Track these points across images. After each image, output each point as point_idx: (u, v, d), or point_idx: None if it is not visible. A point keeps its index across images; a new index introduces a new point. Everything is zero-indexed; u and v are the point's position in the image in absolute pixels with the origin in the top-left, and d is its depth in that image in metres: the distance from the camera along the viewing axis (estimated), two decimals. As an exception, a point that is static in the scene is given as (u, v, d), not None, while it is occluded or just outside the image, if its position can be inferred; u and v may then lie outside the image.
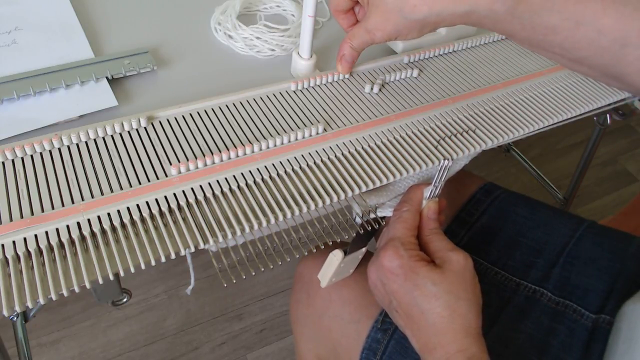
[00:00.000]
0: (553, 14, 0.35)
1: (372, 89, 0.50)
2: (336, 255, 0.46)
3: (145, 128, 0.43)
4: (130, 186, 0.38)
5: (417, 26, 0.41)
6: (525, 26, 0.37)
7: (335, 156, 0.43)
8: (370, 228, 0.46)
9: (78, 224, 0.35)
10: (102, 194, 0.37)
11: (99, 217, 0.36)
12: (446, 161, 0.42)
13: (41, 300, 0.31)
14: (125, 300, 0.46)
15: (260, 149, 0.42)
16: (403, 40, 0.43)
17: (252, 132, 0.44)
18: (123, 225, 0.36)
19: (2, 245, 0.33)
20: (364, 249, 0.48)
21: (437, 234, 0.43)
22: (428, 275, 0.40)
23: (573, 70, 0.43)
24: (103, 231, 0.35)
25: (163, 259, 0.35)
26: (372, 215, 0.47)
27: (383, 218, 0.48)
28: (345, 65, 0.49)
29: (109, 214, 0.36)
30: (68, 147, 0.40)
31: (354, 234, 0.46)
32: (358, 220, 0.46)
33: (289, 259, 0.39)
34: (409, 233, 0.43)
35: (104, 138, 0.42)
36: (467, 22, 0.39)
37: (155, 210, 0.37)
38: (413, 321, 0.41)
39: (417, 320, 0.40)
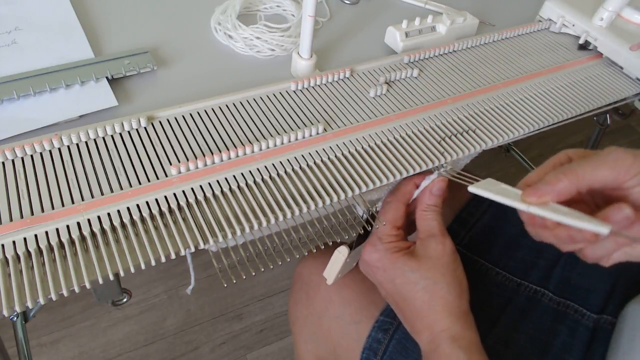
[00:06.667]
0: None
1: (376, 91, 0.50)
2: (342, 252, 0.46)
3: (145, 128, 0.43)
4: (130, 186, 0.38)
5: None
6: None
7: (335, 156, 0.43)
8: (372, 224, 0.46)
9: (78, 224, 0.35)
10: (102, 194, 0.37)
11: (99, 217, 0.36)
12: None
13: (41, 300, 0.31)
14: (125, 300, 0.46)
15: (260, 149, 0.42)
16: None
17: (252, 132, 0.44)
18: (123, 225, 0.36)
19: (2, 245, 0.33)
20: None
21: (431, 212, 0.44)
22: (406, 264, 0.42)
23: None
24: (103, 231, 0.35)
25: (163, 259, 0.35)
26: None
27: None
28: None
29: (109, 214, 0.36)
30: (68, 147, 0.40)
31: (359, 233, 0.46)
32: (365, 217, 0.46)
33: (289, 259, 0.39)
34: (388, 225, 0.44)
35: (104, 138, 0.42)
36: None
37: (155, 210, 0.37)
38: (400, 308, 0.44)
39: (402, 306, 0.43)
